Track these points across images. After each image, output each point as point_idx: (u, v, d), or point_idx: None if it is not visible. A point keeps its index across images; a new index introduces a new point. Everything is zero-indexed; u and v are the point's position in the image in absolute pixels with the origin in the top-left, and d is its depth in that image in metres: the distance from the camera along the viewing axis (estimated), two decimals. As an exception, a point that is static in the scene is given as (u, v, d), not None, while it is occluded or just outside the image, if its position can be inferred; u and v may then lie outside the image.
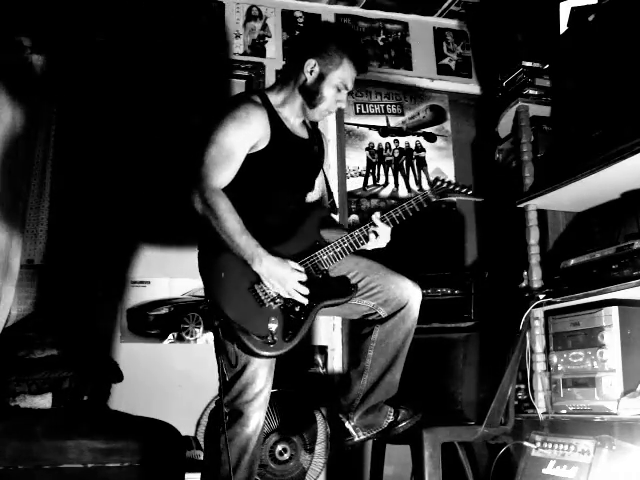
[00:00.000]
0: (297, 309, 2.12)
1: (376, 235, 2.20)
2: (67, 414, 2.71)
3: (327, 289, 2.18)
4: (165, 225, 3.39)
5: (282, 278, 2.07)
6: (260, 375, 2.14)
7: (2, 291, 3.08)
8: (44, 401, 2.74)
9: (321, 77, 2.21)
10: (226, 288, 2.06)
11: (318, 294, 2.15)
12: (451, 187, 2.30)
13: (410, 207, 2.24)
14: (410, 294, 2.27)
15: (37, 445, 2.43)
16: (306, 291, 2.11)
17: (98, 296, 3.33)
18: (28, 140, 3.28)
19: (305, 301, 2.11)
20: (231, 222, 2.04)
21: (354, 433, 2.30)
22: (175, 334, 3.42)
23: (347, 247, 2.18)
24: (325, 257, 2.17)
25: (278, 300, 2.10)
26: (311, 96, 2.23)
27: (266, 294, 2.09)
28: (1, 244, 3.13)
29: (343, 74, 2.22)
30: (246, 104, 2.18)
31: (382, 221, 2.21)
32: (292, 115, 2.29)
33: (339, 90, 2.24)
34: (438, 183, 2.29)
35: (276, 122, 2.22)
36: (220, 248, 2.09)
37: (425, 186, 4.00)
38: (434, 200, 2.27)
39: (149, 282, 3.43)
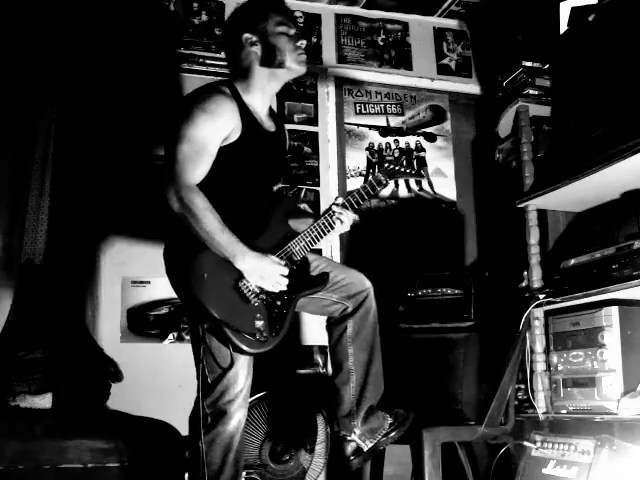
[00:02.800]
0: (279, 303, 2.14)
1: (341, 222, 2.24)
2: (67, 414, 2.71)
3: (303, 280, 2.22)
4: (165, 225, 3.38)
5: (265, 273, 2.08)
6: (241, 375, 2.14)
7: (1, 291, 3.08)
8: (44, 401, 2.74)
9: (264, 37, 2.24)
10: (210, 288, 2.03)
11: (295, 286, 2.18)
12: (397, 168, 2.36)
13: (365, 191, 2.28)
14: (368, 285, 2.34)
15: (37, 445, 2.43)
16: (286, 282, 2.14)
17: (98, 296, 3.33)
18: (28, 140, 3.28)
19: (284, 288, 2.14)
20: (210, 220, 2.03)
21: (362, 444, 2.30)
22: (175, 334, 3.42)
23: (316, 236, 2.22)
24: (297, 248, 2.20)
25: (261, 295, 2.11)
26: (273, 57, 2.23)
27: (249, 290, 2.09)
28: (1, 244, 3.13)
29: (276, 19, 2.25)
30: (215, 95, 2.15)
31: (343, 207, 2.25)
32: (260, 102, 2.27)
33: (288, 35, 2.25)
34: (385, 165, 2.38)
35: (246, 115, 2.20)
36: (197, 248, 2.06)
37: (425, 186, 4.00)
38: (385, 182, 2.33)
39: (149, 282, 3.42)
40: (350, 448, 2.32)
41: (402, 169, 2.38)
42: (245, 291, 2.09)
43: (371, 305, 2.34)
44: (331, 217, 2.24)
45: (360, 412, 2.30)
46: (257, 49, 2.23)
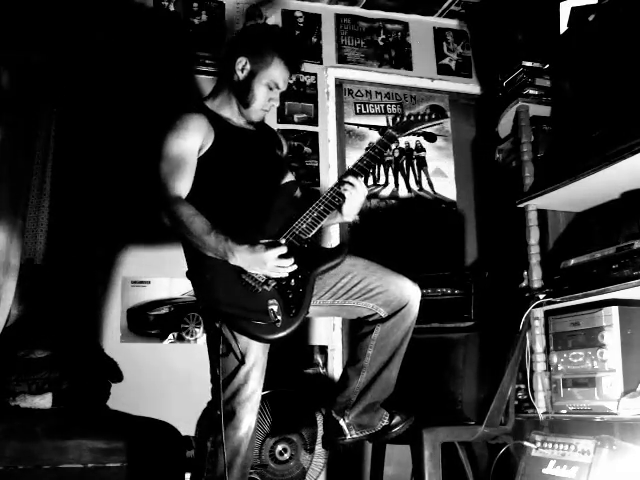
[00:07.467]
0: (292, 283, 2.10)
1: (352, 186, 2.16)
2: (67, 414, 2.71)
3: (317, 256, 2.16)
4: (165, 225, 3.39)
5: (259, 261, 2.05)
6: (253, 377, 2.14)
7: (2, 291, 3.08)
8: (44, 401, 2.74)
9: (252, 75, 2.25)
10: (216, 288, 2.07)
11: (310, 262, 2.13)
12: (412, 118, 2.28)
13: (376, 150, 2.22)
14: (410, 293, 2.26)
15: (37, 445, 2.43)
16: (289, 262, 2.07)
17: (98, 296, 3.33)
18: (28, 140, 3.28)
19: (292, 268, 2.08)
20: (197, 224, 2.07)
21: (347, 431, 2.29)
22: (175, 334, 3.42)
23: (324, 209, 2.16)
24: (304, 226, 2.15)
25: (270, 281, 2.08)
26: (243, 95, 2.27)
27: (256, 280, 2.08)
28: (1, 244, 3.13)
29: (274, 72, 2.25)
30: (181, 114, 2.23)
31: (351, 174, 2.18)
32: (234, 116, 2.33)
33: (270, 88, 2.26)
34: (398, 119, 2.28)
35: (218, 121, 2.26)
36: (200, 257, 2.12)
37: (425, 186, 4.00)
38: (398, 137, 2.25)
39: (149, 282, 3.42)
40: (335, 429, 2.31)
41: (416, 118, 2.28)
42: (251, 282, 2.08)
43: (408, 313, 2.25)
44: (339, 186, 2.18)
45: (358, 405, 2.29)
46: (240, 76, 2.27)
